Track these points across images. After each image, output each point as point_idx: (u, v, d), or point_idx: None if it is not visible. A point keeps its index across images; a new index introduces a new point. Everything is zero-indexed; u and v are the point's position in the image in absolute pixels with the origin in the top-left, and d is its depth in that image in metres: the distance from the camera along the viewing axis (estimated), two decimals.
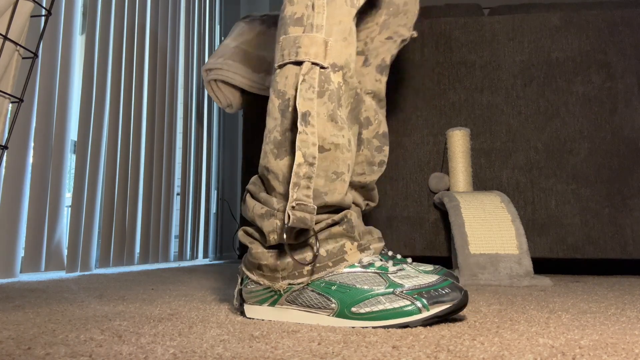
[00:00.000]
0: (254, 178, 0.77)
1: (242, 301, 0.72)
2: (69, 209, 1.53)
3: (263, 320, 0.69)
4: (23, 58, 0.77)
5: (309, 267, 0.68)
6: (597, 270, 1.51)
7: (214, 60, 1.74)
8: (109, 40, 1.67)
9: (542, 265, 1.49)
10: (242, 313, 0.73)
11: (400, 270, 0.69)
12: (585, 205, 1.46)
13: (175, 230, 2.10)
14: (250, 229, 0.74)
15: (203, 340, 0.54)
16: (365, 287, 0.66)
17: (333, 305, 0.66)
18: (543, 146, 1.51)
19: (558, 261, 1.50)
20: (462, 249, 1.23)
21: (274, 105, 0.73)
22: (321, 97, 0.70)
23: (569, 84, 1.52)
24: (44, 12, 0.84)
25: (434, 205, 1.56)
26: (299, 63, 0.71)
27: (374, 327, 0.63)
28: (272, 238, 0.69)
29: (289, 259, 0.68)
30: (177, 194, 2.16)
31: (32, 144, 1.37)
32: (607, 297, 0.91)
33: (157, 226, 1.94)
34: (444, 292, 0.64)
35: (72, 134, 1.54)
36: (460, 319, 0.67)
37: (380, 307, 0.64)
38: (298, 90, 0.69)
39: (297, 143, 0.67)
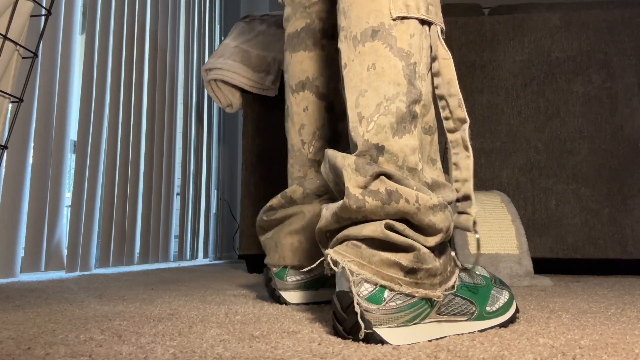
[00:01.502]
0: (361, 159, 0.57)
1: (367, 325, 0.51)
2: (69, 208, 1.53)
3: (413, 344, 0.52)
4: (23, 58, 0.77)
5: (453, 268, 0.59)
6: (597, 270, 1.51)
7: (213, 60, 1.74)
8: (109, 40, 1.67)
9: (542, 265, 1.49)
10: (374, 340, 0.51)
11: None
12: (585, 205, 1.46)
13: (175, 230, 2.10)
14: (399, 225, 0.55)
15: (203, 340, 0.53)
16: (478, 282, 0.62)
17: (473, 308, 0.59)
18: (543, 146, 1.51)
19: (558, 261, 1.50)
20: (462, 249, 1.23)
21: (393, 66, 0.58)
22: None
23: (569, 84, 1.52)
24: (43, 11, 0.84)
25: None
26: (427, 23, 0.61)
27: (500, 326, 0.61)
28: (441, 236, 0.56)
29: (442, 260, 0.57)
30: (177, 194, 2.16)
31: (32, 144, 1.37)
32: (607, 297, 0.91)
33: (157, 226, 1.94)
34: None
35: (72, 134, 1.54)
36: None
37: (501, 301, 0.63)
38: (440, 60, 0.60)
39: (464, 133, 0.60)
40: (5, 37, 0.72)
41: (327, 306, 0.81)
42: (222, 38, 2.67)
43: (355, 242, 0.55)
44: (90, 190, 1.56)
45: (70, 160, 1.56)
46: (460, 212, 0.62)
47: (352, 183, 0.55)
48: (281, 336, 0.56)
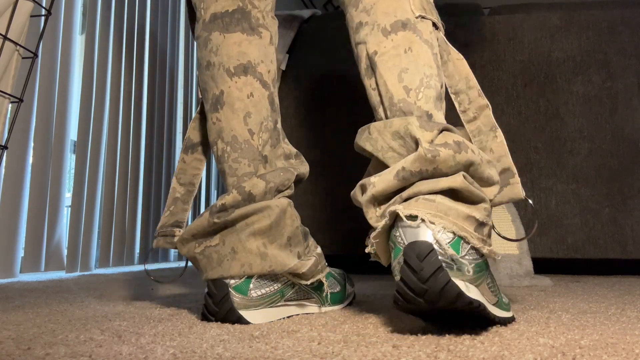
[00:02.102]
0: (420, 119, 0.62)
1: (445, 275, 0.51)
2: (69, 209, 1.53)
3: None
4: (23, 58, 0.77)
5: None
6: (597, 270, 1.51)
7: None
8: (108, 40, 1.67)
9: (542, 265, 1.49)
10: (451, 289, 0.51)
11: None
12: (585, 205, 1.46)
13: None
14: (470, 177, 0.60)
15: (203, 340, 0.53)
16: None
17: (497, 294, 0.60)
18: (543, 146, 1.51)
19: (558, 261, 1.50)
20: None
21: (425, 51, 0.66)
22: None
23: (569, 84, 1.52)
24: (43, 11, 0.84)
25: None
26: (436, 27, 0.70)
27: (509, 321, 0.62)
28: (497, 188, 0.63)
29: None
30: None
31: (32, 144, 1.37)
32: (607, 297, 0.91)
33: (157, 226, 1.94)
34: None
35: (72, 134, 1.54)
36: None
37: (503, 298, 0.63)
38: (455, 60, 0.70)
39: (488, 118, 0.68)
40: (5, 37, 0.72)
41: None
42: None
43: (427, 196, 0.56)
44: (90, 190, 1.56)
45: (70, 160, 1.56)
46: (502, 186, 0.67)
47: (424, 137, 0.59)
48: (281, 336, 0.56)
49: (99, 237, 1.63)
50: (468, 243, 0.55)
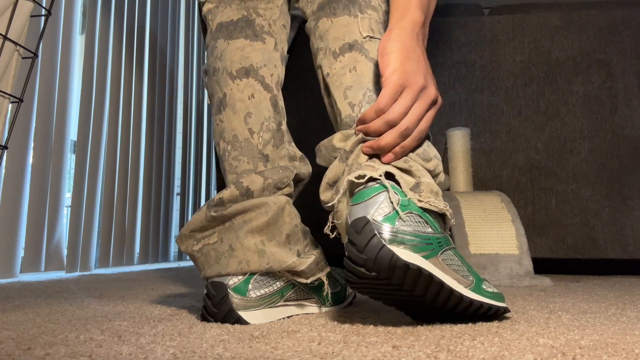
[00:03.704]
0: None
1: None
2: (69, 209, 1.53)
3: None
4: (23, 58, 0.77)
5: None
6: (597, 270, 1.51)
7: None
8: (109, 40, 1.67)
9: (542, 265, 1.49)
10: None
11: None
12: (585, 205, 1.46)
13: (175, 230, 2.10)
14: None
15: (203, 340, 0.53)
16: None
17: (471, 278, 0.61)
18: (543, 146, 1.51)
19: (558, 261, 1.50)
20: (463, 249, 1.23)
21: (370, 69, 0.73)
22: None
23: (569, 84, 1.52)
24: (43, 12, 0.84)
25: None
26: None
27: (495, 310, 0.62)
28: (436, 163, 0.69)
29: None
30: (177, 194, 2.16)
31: (32, 144, 1.37)
32: (607, 297, 0.91)
33: (157, 226, 1.94)
34: None
35: (72, 134, 1.54)
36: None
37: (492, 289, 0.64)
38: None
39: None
40: (5, 37, 0.72)
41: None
42: None
43: (367, 163, 0.63)
44: (90, 190, 1.56)
45: (70, 160, 1.56)
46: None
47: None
48: (281, 336, 0.56)
49: (99, 237, 1.63)
50: (411, 206, 0.58)
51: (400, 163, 0.62)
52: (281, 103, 0.79)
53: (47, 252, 1.41)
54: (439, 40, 1.62)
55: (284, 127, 0.79)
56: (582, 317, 0.69)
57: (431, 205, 0.60)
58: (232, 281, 0.66)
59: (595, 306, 0.80)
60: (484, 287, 0.63)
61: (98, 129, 1.60)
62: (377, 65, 0.71)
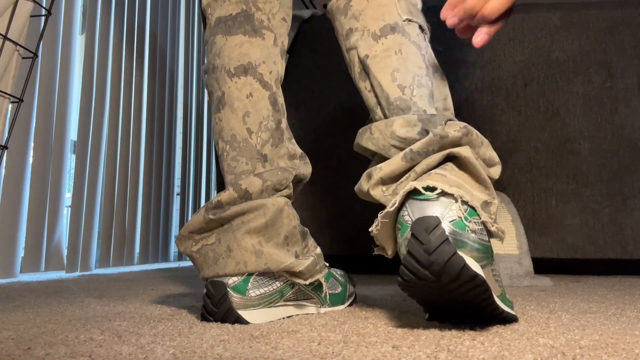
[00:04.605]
0: (421, 114, 0.66)
1: (451, 248, 0.52)
2: (69, 209, 1.53)
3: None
4: (23, 58, 0.77)
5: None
6: (597, 270, 1.51)
7: None
8: (109, 40, 1.67)
9: (542, 265, 1.49)
10: (456, 262, 0.51)
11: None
12: (585, 205, 1.46)
13: (175, 230, 2.10)
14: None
15: (203, 340, 0.53)
16: None
17: (501, 287, 0.60)
18: (543, 146, 1.51)
19: (558, 261, 1.50)
20: None
21: (414, 52, 0.71)
22: None
23: (569, 84, 1.52)
24: (43, 12, 0.84)
25: None
26: (422, 30, 0.75)
27: (511, 319, 0.62)
28: (499, 168, 0.70)
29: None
30: (177, 194, 2.16)
31: (32, 144, 1.37)
32: (607, 297, 0.91)
33: (157, 226, 1.94)
34: None
35: (72, 134, 1.54)
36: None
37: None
38: (438, 77, 0.72)
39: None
40: (5, 37, 0.72)
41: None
42: None
43: (438, 171, 0.60)
44: (90, 190, 1.56)
45: (70, 160, 1.56)
46: None
47: (430, 127, 0.63)
48: (281, 336, 0.56)
49: (99, 237, 1.63)
50: (478, 216, 0.56)
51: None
52: (280, 100, 0.78)
53: (47, 252, 1.41)
54: (440, 40, 1.62)
55: (284, 124, 0.77)
56: (582, 317, 0.69)
57: (497, 229, 0.58)
58: (232, 280, 0.66)
59: (595, 306, 0.80)
60: (507, 297, 0.64)
61: (98, 129, 1.60)
62: (419, 49, 0.71)
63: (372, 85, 0.71)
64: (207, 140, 2.41)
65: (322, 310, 0.76)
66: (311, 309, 0.75)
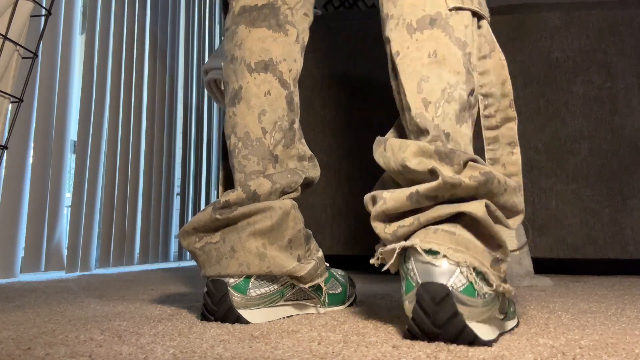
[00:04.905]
0: (438, 144, 0.57)
1: (461, 319, 0.49)
2: (69, 209, 1.53)
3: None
4: (23, 58, 0.77)
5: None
6: (597, 270, 1.51)
7: (212, 60, 1.73)
8: (109, 40, 1.67)
9: (542, 265, 1.49)
10: (466, 335, 0.49)
11: None
12: (585, 205, 1.46)
13: (175, 230, 2.10)
14: (493, 205, 0.55)
15: (203, 340, 0.53)
16: None
17: (505, 306, 0.58)
18: (543, 146, 1.51)
19: (558, 261, 1.50)
20: None
21: (454, 54, 0.59)
22: None
23: (569, 84, 1.52)
24: (43, 12, 0.84)
25: None
26: (478, 16, 0.63)
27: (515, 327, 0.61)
28: (521, 217, 0.59)
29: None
30: (177, 194, 2.16)
31: (32, 144, 1.37)
32: (607, 297, 0.91)
33: (157, 226, 1.94)
34: None
35: (72, 134, 1.54)
36: None
37: None
38: (497, 60, 0.62)
39: (512, 130, 0.63)
40: (5, 37, 0.72)
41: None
42: (222, 38, 2.67)
43: (446, 228, 0.53)
44: (90, 190, 1.56)
45: (70, 160, 1.56)
46: None
47: (444, 170, 0.54)
48: (281, 336, 0.56)
49: (99, 237, 1.63)
50: (487, 281, 0.51)
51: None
52: (296, 99, 0.76)
53: (47, 252, 1.41)
54: None
55: (297, 124, 0.76)
56: (582, 317, 0.69)
57: (504, 289, 0.53)
58: (233, 279, 0.66)
59: (595, 306, 0.80)
60: (511, 309, 0.59)
61: (98, 129, 1.60)
62: (463, 49, 0.60)
63: (399, 89, 0.63)
64: (207, 140, 2.41)
65: (322, 310, 0.76)
66: (311, 309, 0.75)
